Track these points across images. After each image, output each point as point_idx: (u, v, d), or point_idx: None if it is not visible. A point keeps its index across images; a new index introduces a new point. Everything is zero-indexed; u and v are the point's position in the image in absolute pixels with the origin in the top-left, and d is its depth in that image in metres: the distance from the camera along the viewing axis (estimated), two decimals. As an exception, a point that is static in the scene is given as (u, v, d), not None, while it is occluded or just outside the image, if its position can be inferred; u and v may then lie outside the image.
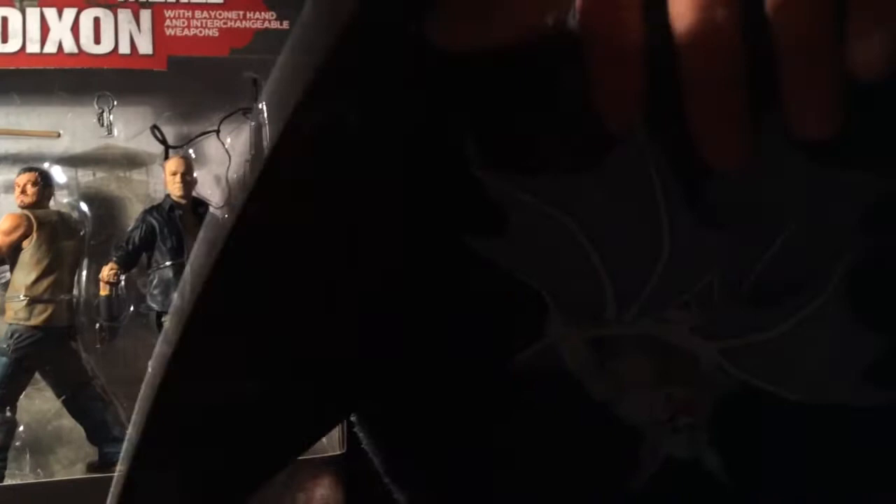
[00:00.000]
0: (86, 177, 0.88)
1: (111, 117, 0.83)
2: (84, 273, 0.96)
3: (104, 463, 0.94)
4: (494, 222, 0.37)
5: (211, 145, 1.01)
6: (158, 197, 1.01)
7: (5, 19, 0.81)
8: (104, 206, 0.96)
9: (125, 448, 0.32)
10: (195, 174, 1.01)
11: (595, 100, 0.29)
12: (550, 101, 0.37)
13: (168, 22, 0.95)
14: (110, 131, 0.84)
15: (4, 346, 0.89)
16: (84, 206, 0.90)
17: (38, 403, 0.83)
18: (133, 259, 1.00)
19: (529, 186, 0.35)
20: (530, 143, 0.38)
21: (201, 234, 0.28)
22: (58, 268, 0.92)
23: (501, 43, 0.29)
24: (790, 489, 0.41)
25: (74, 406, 0.92)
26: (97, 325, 0.98)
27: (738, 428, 0.41)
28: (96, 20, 0.83)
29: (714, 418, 0.39)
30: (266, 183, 0.28)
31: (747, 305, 0.37)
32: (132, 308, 1.00)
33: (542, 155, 0.38)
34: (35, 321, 0.90)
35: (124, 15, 0.85)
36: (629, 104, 0.29)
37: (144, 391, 0.31)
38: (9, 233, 0.91)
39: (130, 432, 0.29)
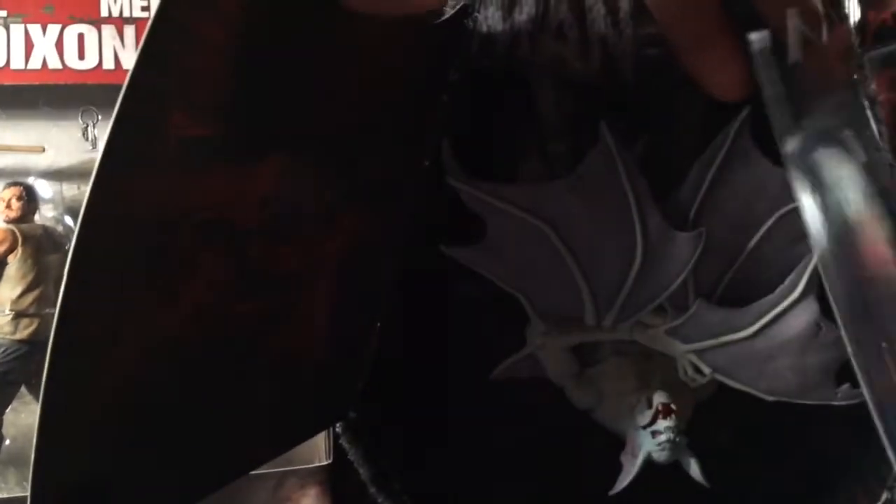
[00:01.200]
0: (70, 191, 0.88)
1: (96, 131, 0.83)
2: (69, 287, 0.95)
3: (90, 476, 0.93)
4: (472, 231, 0.38)
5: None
6: (143, 210, 1.01)
7: (-11, 36, 0.81)
8: (89, 220, 0.96)
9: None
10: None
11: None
12: (523, 110, 0.38)
13: (152, 37, 0.95)
14: (95, 145, 0.84)
15: (-10, 360, 0.89)
16: (69, 220, 0.90)
17: (24, 417, 0.82)
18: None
19: (505, 195, 0.35)
20: (504, 153, 0.39)
21: None
22: (43, 282, 0.91)
23: (394, 12, 0.32)
24: (769, 490, 0.41)
25: (60, 420, 0.92)
26: (82, 339, 0.97)
27: (717, 431, 0.41)
28: (80, 36, 0.83)
29: (693, 422, 0.40)
30: None
31: (720, 307, 0.37)
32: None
33: (516, 164, 0.39)
34: (20, 335, 0.89)
35: (108, 31, 0.85)
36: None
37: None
38: (-7, 247, 0.91)
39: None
